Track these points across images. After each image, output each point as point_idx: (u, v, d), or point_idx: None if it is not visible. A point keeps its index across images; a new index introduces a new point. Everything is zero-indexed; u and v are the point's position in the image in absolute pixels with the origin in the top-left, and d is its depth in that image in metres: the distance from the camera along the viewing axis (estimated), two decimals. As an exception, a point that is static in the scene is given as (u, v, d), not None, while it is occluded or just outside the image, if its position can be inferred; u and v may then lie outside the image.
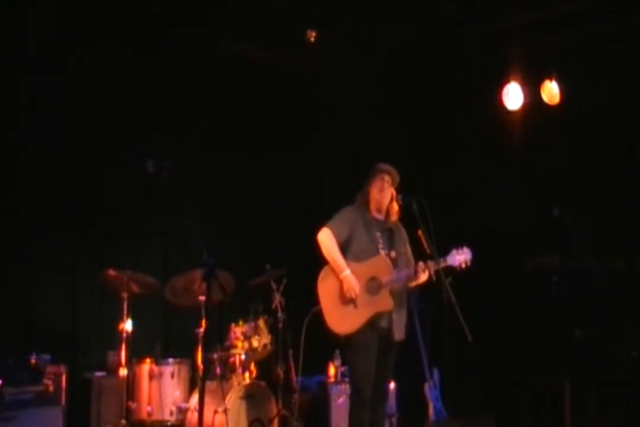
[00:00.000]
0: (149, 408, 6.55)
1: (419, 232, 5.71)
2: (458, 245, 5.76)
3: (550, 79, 7.74)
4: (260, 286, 7.04)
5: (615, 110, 7.58)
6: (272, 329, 6.90)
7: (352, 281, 5.66)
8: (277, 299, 6.95)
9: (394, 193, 5.89)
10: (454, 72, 8.21)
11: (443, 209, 6.18)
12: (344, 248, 5.78)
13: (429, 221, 5.65)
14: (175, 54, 7.64)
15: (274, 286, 6.97)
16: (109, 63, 7.34)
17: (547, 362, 7.44)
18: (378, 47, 8.16)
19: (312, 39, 7.53)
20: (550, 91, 7.75)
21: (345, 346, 5.81)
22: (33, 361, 6.18)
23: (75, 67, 7.19)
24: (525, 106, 7.92)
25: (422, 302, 7.30)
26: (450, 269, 5.70)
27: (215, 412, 6.29)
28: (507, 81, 7.89)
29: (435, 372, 7.43)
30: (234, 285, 6.60)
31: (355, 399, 5.76)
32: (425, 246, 5.70)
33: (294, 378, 7.03)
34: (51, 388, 6.22)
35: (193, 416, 6.37)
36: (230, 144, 8.09)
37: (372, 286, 5.71)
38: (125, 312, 6.58)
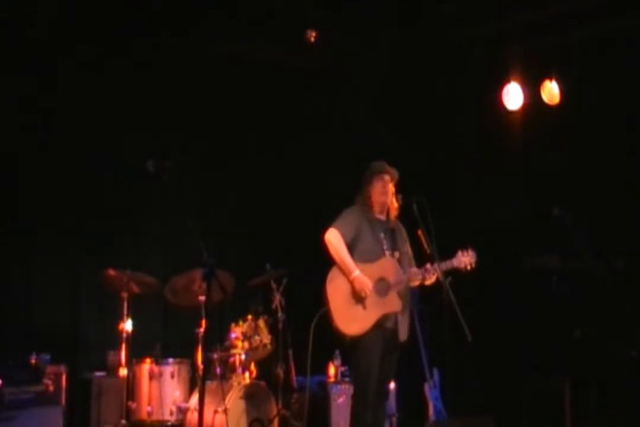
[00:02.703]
0: (149, 408, 6.55)
1: (419, 232, 5.72)
2: (462, 246, 5.77)
3: (550, 79, 7.74)
4: (260, 286, 7.04)
5: (615, 110, 7.58)
6: (272, 329, 6.90)
7: (364, 280, 5.65)
8: (277, 299, 6.95)
9: (393, 189, 5.89)
10: (454, 72, 8.21)
11: (443, 209, 6.18)
12: (350, 249, 5.77)
13: (428, 221, 5.65)
14: (174, 53, 7.64)
15: (274, 286, 6.97)
16: (107, 63, 7.33)
17: (547, 362, 7.44)
18: (378, 47, 8.15)
19: (312, 39, 7.52)
20: (550, 91, 7.75)
21: (350, 346, 5.80)
22: (33, 361, 6.19)
23: (75, 67, 7.18)
24: (525, 106, 7.92)
25: (422, 302, 7.30)
26: (454, 271, 5.71)
27: (215, 412, 6.29)
28: (507, 81, 7.89)
29: (435, 372, 7.43)
30: (234, 285, 6.59)
31: (357, 399, 5.76)
32: (425, 246, 5.70)
33: (294, 378, 7.04)
34: (51, 388, 6.22)
35: (193, 416, 6.37)
36: (230, 143, 8.09)
37: (381, 287, 5.71)
38: (125, 312, 6.58)
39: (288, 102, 8.32)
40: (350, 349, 5.86)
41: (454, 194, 8.47)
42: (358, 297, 5.66)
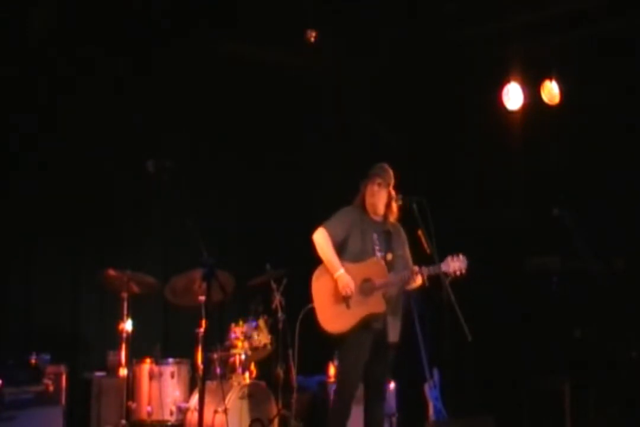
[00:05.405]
0: (149, 408, 6.56)
1: (419, 232, 5.70)
2: (462, 246, 5.73)
3: (550, 79, 7.74)
4: (260, 286, 7.04)
5: (615, 110, 7.58)
6: (272, 329, 6.90)
7: (346, 279, 5.66)
8: (277, 299, 6.96)
9: (392, 193, 5.86)
10: (454, 72, 8.21)
11: (443, 209, 6.18)
12: (340, 249, 5.78)
13: (428, 221, 5.64)
14: (175, 53, 7.64)
15: (274, 286, 6.97)
16: (108, 63, 7.34)
17: (547, 362, 7.44)
18: (378, 47, 8.16)
19: (312, 39, 7.52)
20: (550, 91, 7.75)
21: (338, 344, 5.82)
22: (33, 361, 6.19)
23: (75, 67, 7.18)
24: (525, 106, 7.92)
25: (422, 302, 7.30)
26: (444, 276, 5.65)
27: (215, 412, 6.29)
28: (507, 81, 7.89)
29: (435, 372, 7.43)
30: (234, 285, 6.60)
31: (336, 396, 5.83)
32: (425, 246, 5.69)
33: (294, 378, 7.04)
34: (51, 388, 6.22)
35: (193, 416, 6.37)
36: (230, 144, 8.10)
37: (366, 287, 5.70)
38: (125, 312, 6.58)
39: (288, 102, 8.32)
40: (338, 347, 5.90)
41: (454, 194, 8.47)
42: (341, 296, 5.67)
